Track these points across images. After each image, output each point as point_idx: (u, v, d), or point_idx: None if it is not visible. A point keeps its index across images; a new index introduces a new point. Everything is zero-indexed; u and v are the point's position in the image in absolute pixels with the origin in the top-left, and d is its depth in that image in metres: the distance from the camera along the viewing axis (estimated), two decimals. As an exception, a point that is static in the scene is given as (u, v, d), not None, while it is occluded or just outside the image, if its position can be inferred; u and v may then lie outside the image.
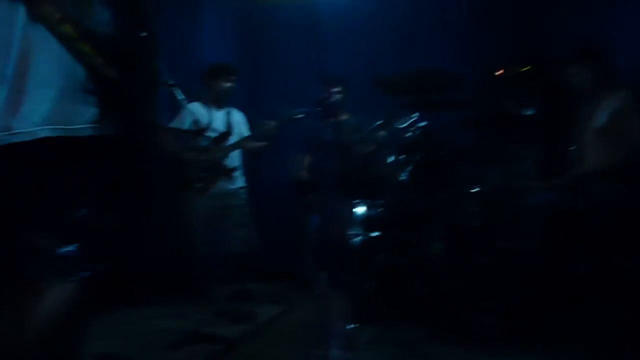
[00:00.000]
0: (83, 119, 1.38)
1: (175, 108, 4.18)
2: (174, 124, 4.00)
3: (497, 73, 4.88)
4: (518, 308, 3.01)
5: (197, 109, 4.10)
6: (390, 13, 5.53)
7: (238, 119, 4.41)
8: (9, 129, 1.33)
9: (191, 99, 4.35)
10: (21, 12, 1.35)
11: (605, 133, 3.23)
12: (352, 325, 2.81)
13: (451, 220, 3.40)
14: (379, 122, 3.37)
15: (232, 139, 4.21)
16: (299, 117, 4.15)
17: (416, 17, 5.48)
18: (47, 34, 1.35)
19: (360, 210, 3.66)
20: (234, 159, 4.23)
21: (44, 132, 1.33)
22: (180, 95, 3.14)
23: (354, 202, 3.73)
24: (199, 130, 3.06)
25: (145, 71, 1.59)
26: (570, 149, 3.47)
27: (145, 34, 1.50)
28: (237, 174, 4.20)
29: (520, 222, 3.26)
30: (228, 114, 4.30)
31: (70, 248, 1.39)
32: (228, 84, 4.22)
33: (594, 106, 3.35)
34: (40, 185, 1.37)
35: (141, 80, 1.56)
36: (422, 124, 3.38)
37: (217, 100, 4.22)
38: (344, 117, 4.74)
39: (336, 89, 4.62)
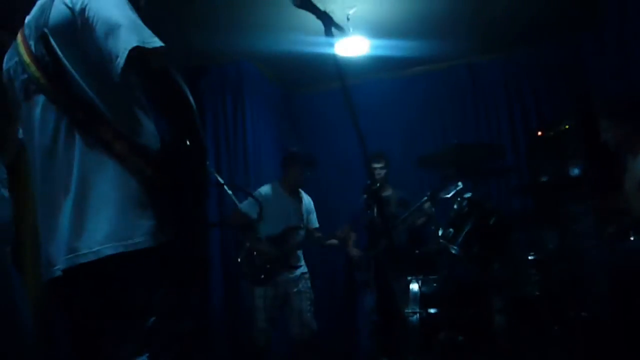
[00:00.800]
0: (142, 231, 1.40)
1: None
2: (243, 208, 4.02)
3: (538, 134, 4.90)
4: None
5: (269, 192, 4.20)
6: (424, 89, 5.69)
7: (308, 206, 4.45)
8: (75, 250, 1.37)
9: (238, 188, 4.50)
10: (78, 137, 1.41)
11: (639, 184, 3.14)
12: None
13: (512, 290, 3.30)
14: (425, 197, 3.36)
15: (302, 232, 4.24)
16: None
17: (450, 91, 5.61)
18: (103, 154, 1.40)
19: (414, 286, 3.60)
20: (301, 251, 4.27)
21: (108, 250, 1.36)
22: (229, 190, 3.24)
23: (408, 278, 3.68)
24: (259, 217, 3.09)
25: (196, 175, 1.63)
26: (620, 204, 3.38)
27: (194, 140, 1.51)
28: (301, 260, 4.22)
29: (586, 284, 3.14)
30: (300, 202, 4.35)
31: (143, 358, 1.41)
32: (302, 171, 4.28)
33: (632, 160, 3.29)
34: (111, 300, 1.40)
35: (194, 184, 1.59)
36: (468, 194, 3.36)
37: (292, 188, 4.29)
38: (390, 192, 4.78)
39: (380, 165, 4.70)
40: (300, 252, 4.26)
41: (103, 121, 1.41)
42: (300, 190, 4.36)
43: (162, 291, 1.48)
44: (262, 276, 3.70)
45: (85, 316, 1.46)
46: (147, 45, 1.34)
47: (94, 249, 1.36)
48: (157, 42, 1.37)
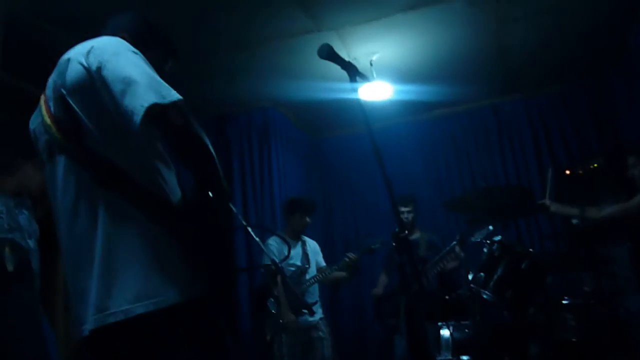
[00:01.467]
0: (172, 286, 1.38)
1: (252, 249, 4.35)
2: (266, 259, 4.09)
3: (565, 173, 4.83)
4: None
5: (277, 242, 4.21)
6: (449, 131, 5.70)
7: (314, 248, 4.47)
8: (104, 309, 1.35)
9: (267, 234, 4.52)
10: (100, 195, 1.40)
11: None
12: None
13: (548, 335, 3.19)
14: (455, 241, 3.32)
15: (310, 272, 4.25)
16: (377, 247, 4.22)
17: (475, 132, 5.61)
18: (126, 210, 1.39)
19: (446, 332, 3.52)
20: (313, 291, 4.24)
21: (138, 309, 1.33)
22: (256, 237, 3.25)
23: (439, 324, 3.59)
24: (276, 268, 3.10)
25: (221, 223, 1.62)
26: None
27: (216, 189, 1.50)
28: (317, 305, 4.18)
29: (625, 329, 3.02)
30: (304, 245, 4.37)
31: None
32: (307, 219, 4.32)
33: None
34: None
35: (219, 233, 1.56)
36: (498, 237, 3.30)
37: (295, 233, 4.32)
38: (418, 235, 4.73)
39: (407, 209, 4.69)
40: (316, 294, 4.24)
41: (125, 177, 1.41)
42: (303, 235, 4.37)
43: (195, 350, 1.44)
44: (281, 321, 3.65)
45: None
46: (164, 101, 1.33)
47: (123, 308, 1.34)
48: (174, 96, 1.36)
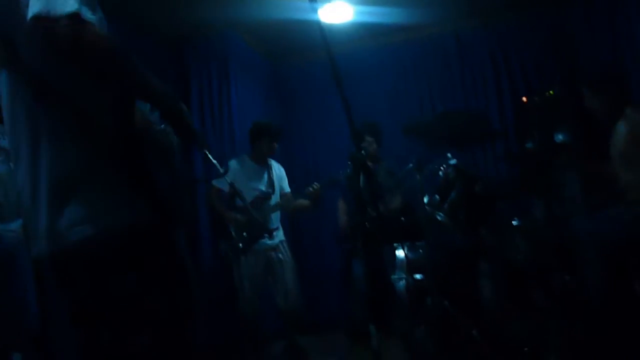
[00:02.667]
0: (124, 209, 1.36)
1: (211, 171, 4.32)
2: (216, 184, 4.08)
3: (523, 101, 4.90)
4: (578, 343, 2.90)
5: (238, 165, 4.19)
6: (410, 56, 5.65)
7: (279, 174, 4.46)
8: (54, 232, 1.33)
9: (228, 158, 4.49)
10: (42, 112, 1.35)
11: (628, 155, 3.17)
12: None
13: (498, 256, 3.34)
14: (410, 165, 3.37)
15: (274, 197, 4.26)
16: (341, 179, 4.22)
17: (437, 58, 5.58)
18: (69, 132, 1.34)
19: (400, 253, 3.63)
20: (274, 216, 4.28)
21: (88, 230, 1.31)
22: (214, 159, 3.22)
23: (394, 245, 3.71)
24: (238, 190, 3.09)
25: (184, 141, 1.59)
26: (606, 172, 3.40)
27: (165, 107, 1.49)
28: (278, 229, 4.23)
29: (571, 252, 3.17)
30: (270, 170, 4.35)
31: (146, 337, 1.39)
32: (274, 144, 4.29)
33: (614, 129, 3.31)
34: (96, 284, 1.37)
35: (172, 156, 1.55)
36: (453, 162, 3.36)
37: (261, 158, 4.29)
38: (380, 163, 4.79)
39: (371, 139, 4.71)
40: (277, 220, 4.28)
41: (63, 98, 1.35)
42: (270, 159, 4.33)
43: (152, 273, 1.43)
44: (241, 245, 3.70)
45: (69, 300, 1.44)
46: (49, 14, 1.18)
47: (72, 230, 1.32)
48: (68, 7, 1.20)
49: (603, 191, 3.31)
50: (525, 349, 2.93)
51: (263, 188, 4.20)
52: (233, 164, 4.14)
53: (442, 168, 3.40)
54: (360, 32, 5.36)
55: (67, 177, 1.34)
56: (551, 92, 4.64)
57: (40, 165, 1.36)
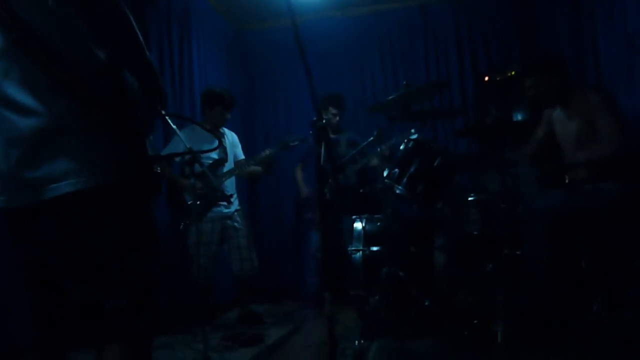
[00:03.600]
0: (98, 167, 1.34)
1: (169, 135, 4.24)
2: (168, 150, 4.01)
3: (484, 79, 4.97)
4: (526, 313, 3.02)
5: (191, 134, 4.12)
6: (375, 29, 5.63)
7: (232, 141, 4.43)
8: (28, 184, 1.32)
9: (183, 125, 4.41)
10: (21, 58, 1.31)
11: (576, 135, 3.27)
12: (361, 341, 2.81)
13: (453, 229, 3.41)
14: (371, 138, 3.38)
15: (227, 164, 4.23)
16: (295, 144, 4.22)
17: (401, 32, 5.57)
18: (38, 75, 1.31)
19: (358, 225, 3.67)
20: (229, 184, 4.25)
21: (65, 187, 1.30)
22: (173, 124, 3.16)
23: (353, 217, 3.74)
24: (192, 157, 3.05)
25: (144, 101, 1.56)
26: (557, 151, 3.51)
27: (140, 64, 1.48)
28: (234, 197, 4.21)
29: (523, 227, 3.27)
30: (222, 136, 4.30)
31: (119, 299, 1.38)
32: (226, 114, 4.22)
33: (563, 112, 3.41)
34: (77, 240, 1.35)
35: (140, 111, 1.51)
36: (414, 135, 3.40)
37: (213, 127, 4.21)
38: (341, 134, 4.80)
39: (336, 111, 4.71)
40: (233, 188, 4.27)
41: (44, 46, 1.31)
42: (223, 128, 4.29)
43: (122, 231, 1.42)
44: (196, 211, 3.68)
45: (40, 254, 1.41)
46: None
47: (47, 186, 1.30)
48: None
49: (554, 170, 3.41)
50: (475, 321, 3.03)
51: (215, 156, 4.15)
52: (185, 133, 4.04)
53: (404, 142, 3.42)
54: (326, 3, 5.32)
55: (45, 129, 1.31)
56: (512, 72, 4.72)
57: (15, 114, 1.32)
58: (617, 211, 3.13)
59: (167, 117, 3.01)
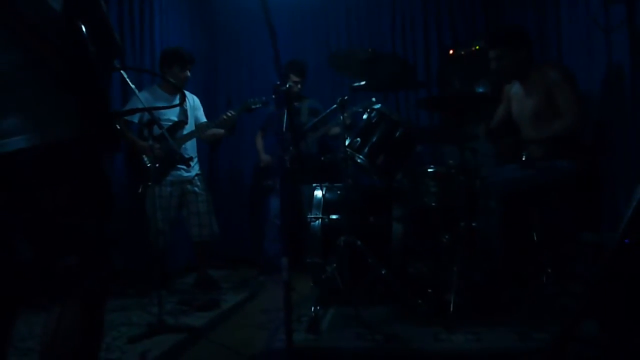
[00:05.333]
0: (57, 123, 1.32)
1: (127, 95, 4.12)
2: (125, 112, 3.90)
3: (449, 53, 4.99)
4: (478, 284, 3.11)
5: (150, 96, 4.01)
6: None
7: (194, 104, 4.33)
8: None
9: (143, 85, 4.29)
10: None
11: (533, 111, 3.34)
12: (316, 308, 2.84)
13: (411, 200, 3.45)
14: (334, 106, 3.36)
15: (188, 127, 4.14)
16: (257, 107, 4.17)
17: (368, 1, 5.51)
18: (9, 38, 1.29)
19: (318, 193, 3.67)
20: (190, 147, 4.18)
21: (20, 142, 1.27)
22: (131, 83, 3.07)
23: (313, 185, 3.74)
24: (151, 119, 2.97)
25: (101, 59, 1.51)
26: (515, 125, 3.57)
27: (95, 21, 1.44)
28: (193, 161, 4.15)
29: (479, 200, 3.34)
30: (183, 99, 4.18)
31: (71, 258, 1.36)
32: (186, 72, 4.11)
33: (520, 86, 3.46)
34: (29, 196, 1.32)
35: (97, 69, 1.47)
36: (377, 106, 3.39)
37: (172, 87, 4.10)
38: (303, 102, 4.76)
39: (298, 79, 4.65)
40: (193, 151, 4.21)
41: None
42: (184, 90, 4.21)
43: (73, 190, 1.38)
44: (154, 174, 3.62)
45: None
46: None
47: (3, 142, 1.27)
48: None
49: (510, 147, 3.48)
50: (429, 290, 3.11)
51: (175, 118, 4.07)
52: (144, 95, 3.93)
53: (366, 111, 3.42)
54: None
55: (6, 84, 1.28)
56: (477, 46, 4.75)
57: None
58: (568, 188, 3.23)
59: (126, 77, 2.92)
